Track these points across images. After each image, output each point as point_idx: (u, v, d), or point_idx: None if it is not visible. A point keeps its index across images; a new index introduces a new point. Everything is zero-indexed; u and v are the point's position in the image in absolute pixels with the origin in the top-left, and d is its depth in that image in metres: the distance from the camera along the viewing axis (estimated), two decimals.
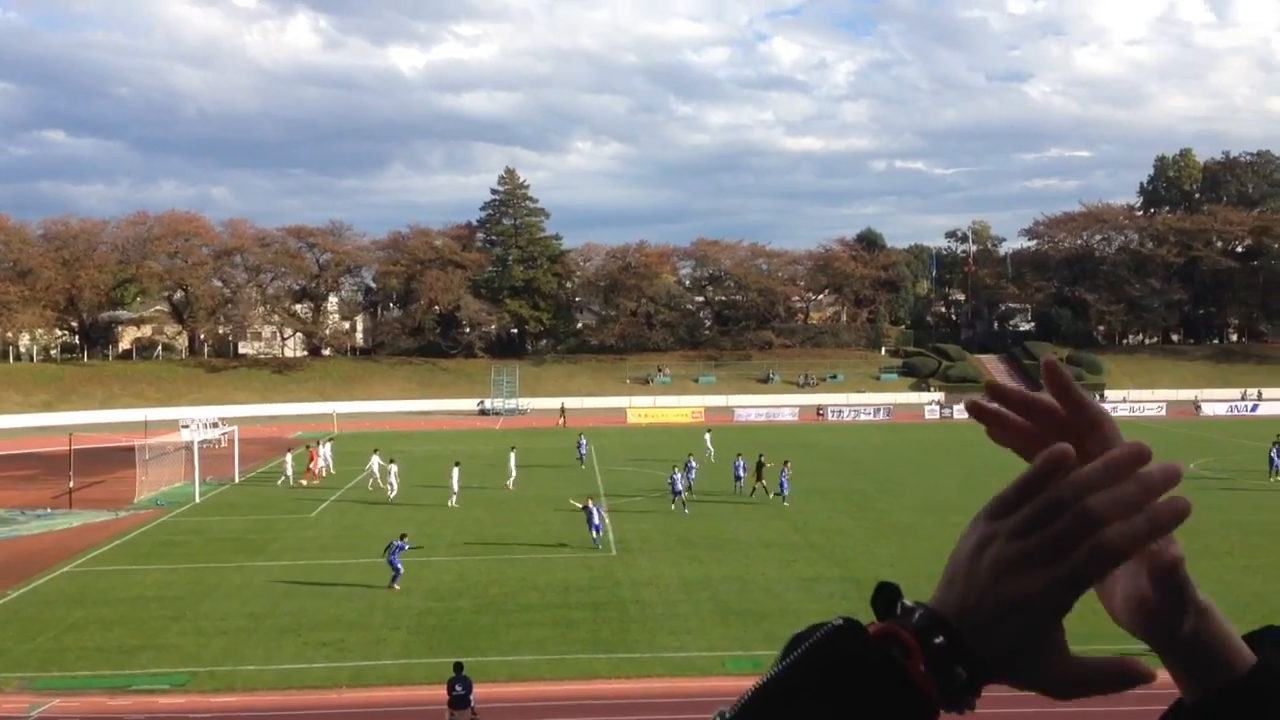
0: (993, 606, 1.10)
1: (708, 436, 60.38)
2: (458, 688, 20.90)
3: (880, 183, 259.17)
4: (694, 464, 47.25)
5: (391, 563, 31.33)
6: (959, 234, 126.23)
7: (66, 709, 21.92)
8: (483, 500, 46.26)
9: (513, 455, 50.92)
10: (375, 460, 49.57)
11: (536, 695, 22.53)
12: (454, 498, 44.80)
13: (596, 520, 36.27)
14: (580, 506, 37.45)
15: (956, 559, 1.15)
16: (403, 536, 32.58)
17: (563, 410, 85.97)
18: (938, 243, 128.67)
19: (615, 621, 27.75)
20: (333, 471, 54.43)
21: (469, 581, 31.94)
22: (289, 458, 53.60)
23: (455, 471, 45.44)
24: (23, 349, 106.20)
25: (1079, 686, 1.15)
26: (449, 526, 40.60)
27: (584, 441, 59.19)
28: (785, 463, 45.85)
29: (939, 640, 1.09)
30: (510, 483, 49.48)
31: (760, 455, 47.78)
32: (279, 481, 52.12)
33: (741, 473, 46.92)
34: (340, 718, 21.37)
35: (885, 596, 1.15)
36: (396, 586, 30.85)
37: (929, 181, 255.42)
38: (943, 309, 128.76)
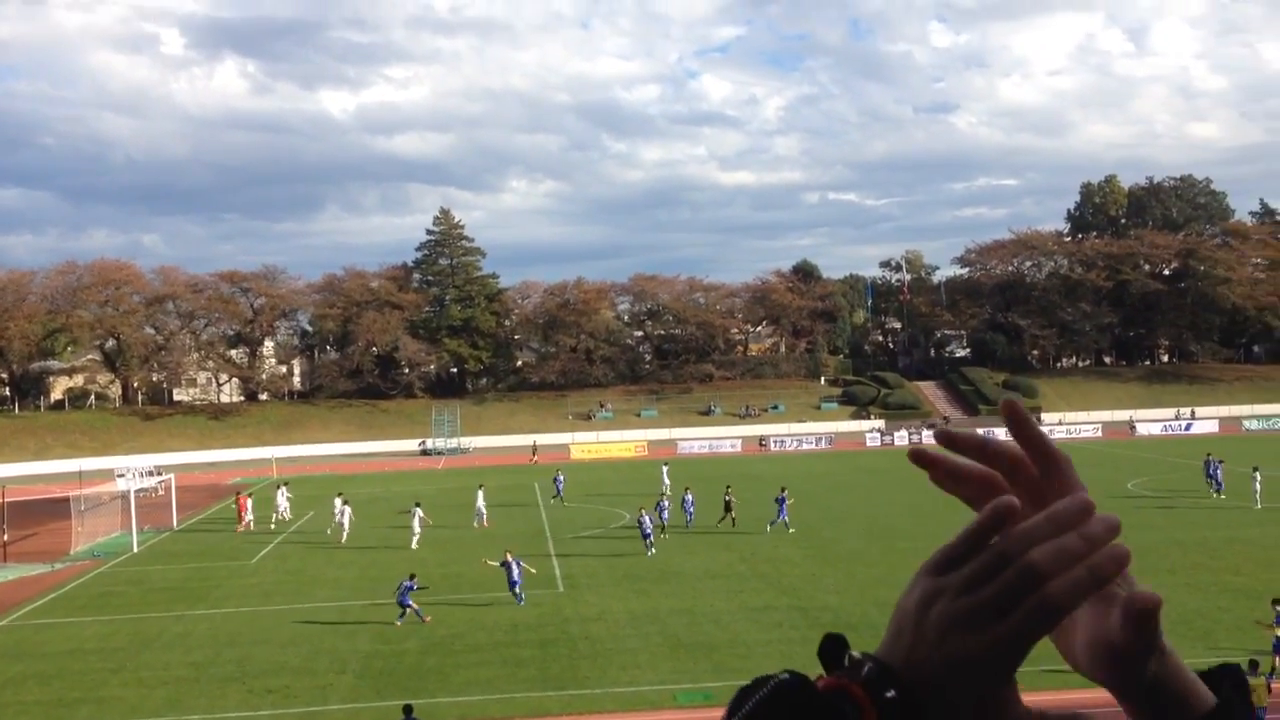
0: (941, 663, 1.08)
1: (665, 469, 60.16)
2: None
3: (814, 214, 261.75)
4: (665, 504, 46.57)
5: (402, 602, 31.35)
6: (893, 263, 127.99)
7: None
8: (429, 540, 45.85)
9: (480, 494, 50.45)
10: (339, 503, 48.65)
11: None
12: (415, 538, 44.11)
13: (515, 575, 33.43)
14: (498, 564, 34.35)
15: (904, 611, 1.13)
16: (411, 576, 32.37)
17: (534, 448, 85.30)
18: (872, 272, 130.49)
19: (564, 658, 27.60)
20: (289, 517, 53.14)
21: (416, 623, 31.61)
22: (282, 497, 53.19)
23: (418, 511, 44.83)
24: None
25: None
26: (392, 569, 40.16)
27: (561, 478, 58.02)
28: (783, 489, 46.48)
29: (890, 695, 1.07)
30: (482, 521, 49.09)
31: (727, 488, 47.81)
32: (273, 523, 51.73)
33: (691, 508, 46.40)
34: None
35: (832, 647, 1.13)
36: (399, 624, 31.07)
37: (862, 212, 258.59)
38: (880, 337, 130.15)
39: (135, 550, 46.24)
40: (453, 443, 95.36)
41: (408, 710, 21.10)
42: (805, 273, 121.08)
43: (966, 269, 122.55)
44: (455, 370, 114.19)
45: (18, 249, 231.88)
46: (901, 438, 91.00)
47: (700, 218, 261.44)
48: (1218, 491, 49.90)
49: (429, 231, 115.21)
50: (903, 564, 37.54)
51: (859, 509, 50.58)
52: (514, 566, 33.46)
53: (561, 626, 30.70)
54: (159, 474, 61.71)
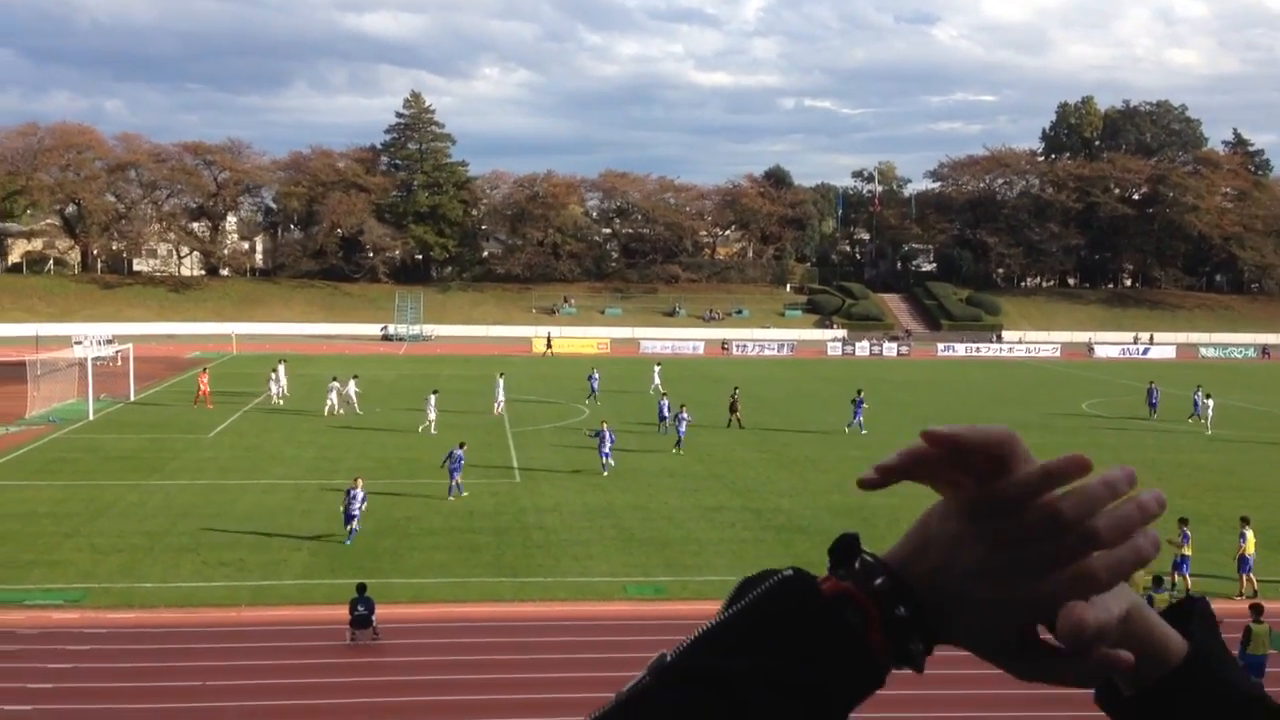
0: (968, 602, 1.07)
1: (657, 370, 59.48)
2: (360, 608, 20.88)
3: (789, 120, 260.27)
4: (665, 403, 45.69)
5: (453, 472, 32.47)
6: (865, 174, 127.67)
7: None
8: (387, 424, 45.94)
9: (500, 381, 50.70)
10: (335, 385, 48.60)
11: (439, 616, 22.58)
12: (432, 424, 43.59)
13: (607, 447, 36.30)
14: (593, 433, 37.37)
15: (930, 537, 1.10)
16: (461, 445, 33.47)
17: (549, 341, 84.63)
18: (844, 182, 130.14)
19: (519, 546, 27.87)
20: (286, 395, 51.84)
21: (372, 505, 31.58)
22: (279, 377, 52.20)
23: (432, 398, 44.33)
24: None
25: (1041, 674, 1.11)
26: (351, 450, 40.27)
27: (596, 375, 55.97)
28: (859, 391, 47.41)
29: (901, 612, 1.05)
30: (499, 408, 49.27)
31: (734, 389, 48.20)
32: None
33: (666, 412, 44.80)
34: (240, 635, 21.19)
35: (844, 546, 1.09)
36: (452, 497, 32.25)
37: (837, 121, 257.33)
38: (848, 248, 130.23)
39: (91, 418, 46.00)
40: (415, 329, 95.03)
41: (361, 589, 21.27)
42: (777, 179, 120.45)
43: (938, 183, 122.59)
44: (420, 257, 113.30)
45: None
46: (863, 348, 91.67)
47: (674, 117, 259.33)
48: (1153, 413, 51.76)
49: (399, 115, 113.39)
50: (855, 471, 37.79)
51: (816, 416, 51.02)
52: (608, 437, 36.27)
53: (517, 516, 30.94)
54: (116, 343, 61.15)
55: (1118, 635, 1.10)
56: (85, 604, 22.77)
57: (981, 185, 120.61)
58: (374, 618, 20.87)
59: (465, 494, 32.79)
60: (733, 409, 46.91)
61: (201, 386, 50.99)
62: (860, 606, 1.04)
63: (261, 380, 54.66)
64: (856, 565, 1.07)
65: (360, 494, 27.58)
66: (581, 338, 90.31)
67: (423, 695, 18.48)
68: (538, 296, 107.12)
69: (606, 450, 36.34)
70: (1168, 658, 1.15)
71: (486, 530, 29.26)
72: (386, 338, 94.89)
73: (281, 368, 53.39)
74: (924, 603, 1.06)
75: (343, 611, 21.05)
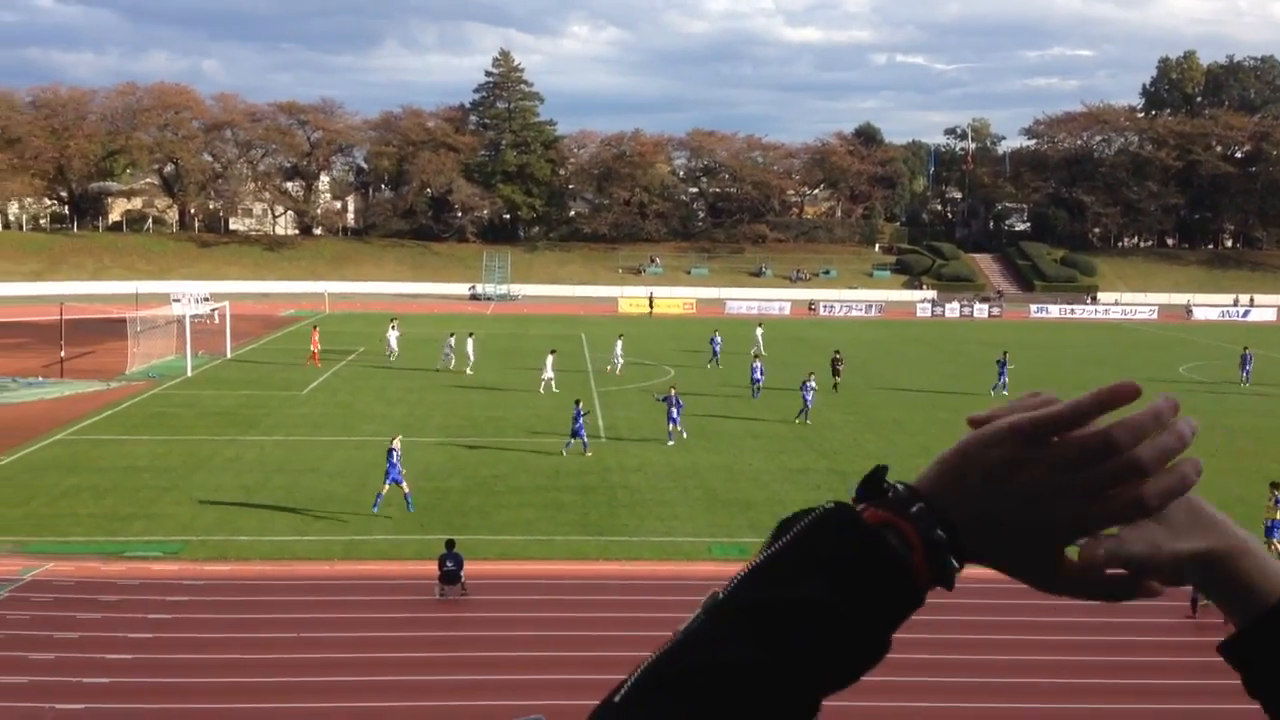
0: (1009, 525, 1.12)
1: (759, 331, 58.24)
2: (448, 564, 21.23)
3: (880, 77, 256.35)
4: (759, 365, 44.98)
5: (577, 431, 32.95)
6: (958, 131, 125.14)
7: (60, 573, 22.19)
8: (476, 383, 46.47)
9: (619, 343, 50.97)
10: (451, 340, 49.86)
11: (525, 574, 22.87)
12: (551, 382, 43.82)
13: (675, 413, 35.21)
14: (662, 398, 36.64)
15: (971, 462, 1.14)
16: (577, 403, 33.84)
17: (651, 301, 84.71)
18: (936, 139, 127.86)
19: (604, 505, 28.07)
20: (398, 350, 52.93)
21: (460, 463, 32.20)
22: (391, 334, 53.56)
23: (550, 359, 44.64)
24: (11, 217, 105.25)
25: (1069, 589, 1.15)
26: (439, 409, 40.81)
27: (719, 339, 54.18)
28: (1004, 353, 47.09)
29: (938, 534, 1.09)
30: (616, 370, 49.73)
31: (836, 352, 47.42)
32: (389, 356, 52.18)
33: (759, 375, 43.97)
34: (333, 588, 21.68)
35: (873, 479, 1.14)
36: (568, 452, 32.86)
37: (930, 77, 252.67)
38: (939, 207, 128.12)
39: (189, 374, 47.16)
40: (502, 289, 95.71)
41: (450, 545, 21.63)
42: (867, 136, 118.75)
43: (1033, 141, 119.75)
44: (508, 217, 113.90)
45: (79, 68, 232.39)
46: (953, 309, 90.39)
47: (763, 74, 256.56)
48: (1245, 379, 50.42)
49: (487, 74, 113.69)
50: (943, 434, 37.61)
51: (904, 378, 50.50)
52: (676, 403, 35.28)
53: (602, 475, 31.15)
54: (213, 301, 62.54)
55: (1177, 569, 1.14)
56: (183, 556, 23.46)
57: (1078, 143, 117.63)
58: (462, 574, 21.21)
59: (588, 452, 33.11)
60: (835, 370, 46.06)
61: (314, 345, 51.56)
62: (902, 532, 1.09)
63: (352, 339, 55.62)
64: (891, 495, 1.12)
65: (398, 451, 26.54)
66: (667, 298, 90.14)
67: (509, 651, 18.75)
68: (624, 256, 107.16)
69: (675, 416, 35.25)
70: (1264, 600, 1.15)
71: (572, 489, 29.52)
72: (474, 297, 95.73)
73: (392, 325, 54.26)
74: (959, 525, 1.11)
75: (432, 567, 21.42)
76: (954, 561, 1.10)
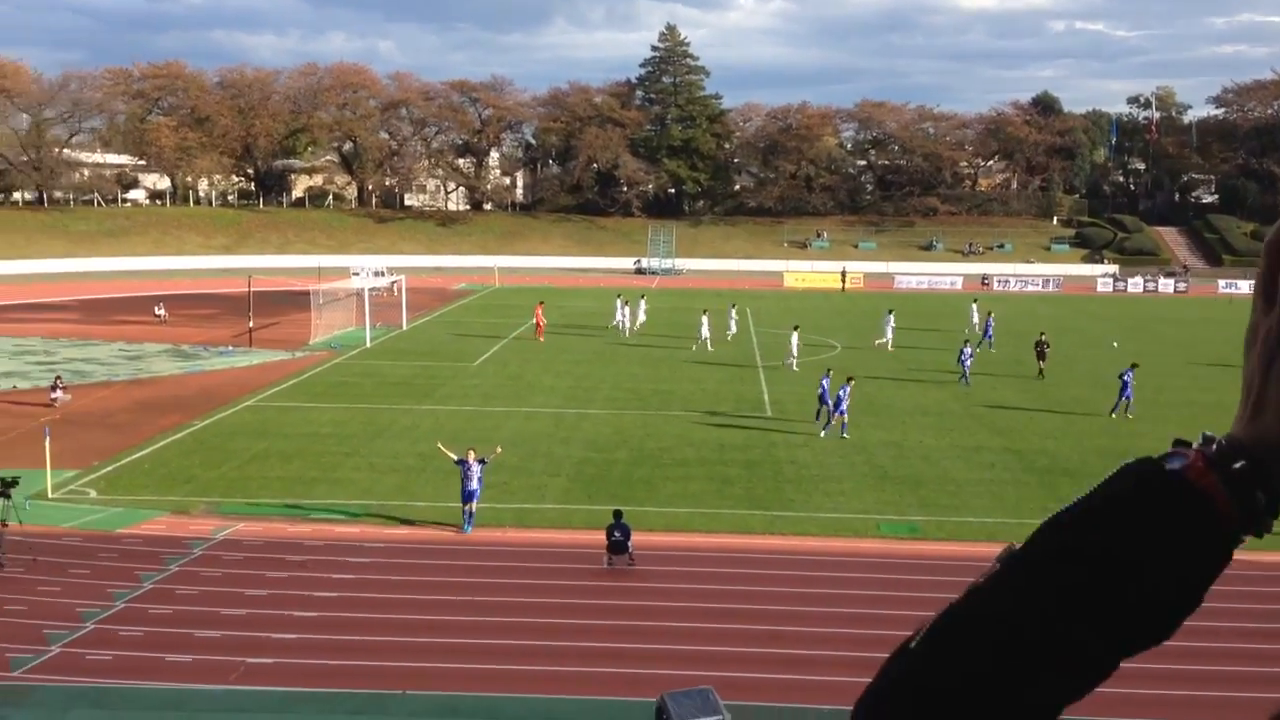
0: None
1: (974, 306, 56.38)
2: (616, 534, 21.50)
3: (1058, 44, 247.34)
4: (968, 348, 42.19)
5: (832, 404, 32.31)
6: (1141, 100, 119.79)
7: (250, 533, 23.29)
8: (639, 358, 46.86)
9: (890, 317, 50.65)
10: (619, 305, 50.67)
11: (692, 546, 23.00)
12: (795, 362, 43.40)
13: (843, 406, 32.66)
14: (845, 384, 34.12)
15: (1249, 381, 1.11)
16: (828, 371, 33.78)
17: (844, 274, 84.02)
18: (1118, 109, 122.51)
19: (770, 480, 28.00)
20: (630, 327, 53.49)
21: (626, 435, 32.52)
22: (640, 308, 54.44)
23: (795, 336, 44.26)
24: (202, 194, 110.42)
25: None
26: (605, 381, 41.26)
27: (991, 320, 50.98)
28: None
29: (1239, 465, 1.07)
30: (888, 343, 49.59)
31: (1041, 335, 44.42)
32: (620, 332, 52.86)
33: (967, 359, 41.56)
34: (504, 554, 22.19)
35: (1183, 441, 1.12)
36: (824, 435, 32.13)
37: (1110, 44, 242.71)
38: (1120, 178, 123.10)
39: (368, 345, 48.80)
40: (667, 263, 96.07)
41: (617, 515, 21.90)
42: (1045, 106, 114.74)
43: (1221, 109, 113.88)
44: (673, 191, 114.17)
45: (261, 49, 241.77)
46: (1135, 285, 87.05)
47: (934, 44, 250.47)
48: None
49: (654, 48, 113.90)
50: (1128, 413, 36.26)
51: (1084, 356, 48.83)
52: (843, 396, 32.66)
53: (768, 450, 31.05)
54: (390, 275, 64.49)
55: None
56: (364, 520, 24.34)
57: (1270, 111, 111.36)
58: (630, 544, 21.46)
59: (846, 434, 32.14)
60: (1040, 355, 43.02)
61: (538, 319, 52.15)
62: (1201, 467, 1.07)
63: (523, 312, 56.69)
64: (1196, 446, 1.10)
65: (476, 467, 23.51)
66: (833, 272, 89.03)
67: (675, 621, 18.90)
68: (789, 230, 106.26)
69: (843, 409, 32.52)
70: None
71: (737, 463, 29.51)
72: (639, 271, 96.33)
73: (641, 302, 54.92)
74: (1261, 453, 1.07)
75: (600, 537, 21.73)
76: (1261, 496, 1.06)
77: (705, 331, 45.84)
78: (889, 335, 50.24)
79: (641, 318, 54.17)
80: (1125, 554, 1.04)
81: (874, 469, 29.15)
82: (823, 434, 32.21)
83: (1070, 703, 1.06)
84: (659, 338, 51.58)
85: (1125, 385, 35.75)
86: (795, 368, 42.97)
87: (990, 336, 49.93)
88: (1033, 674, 1.03)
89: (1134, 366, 36.57)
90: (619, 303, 54.41)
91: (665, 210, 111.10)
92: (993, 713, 1.03)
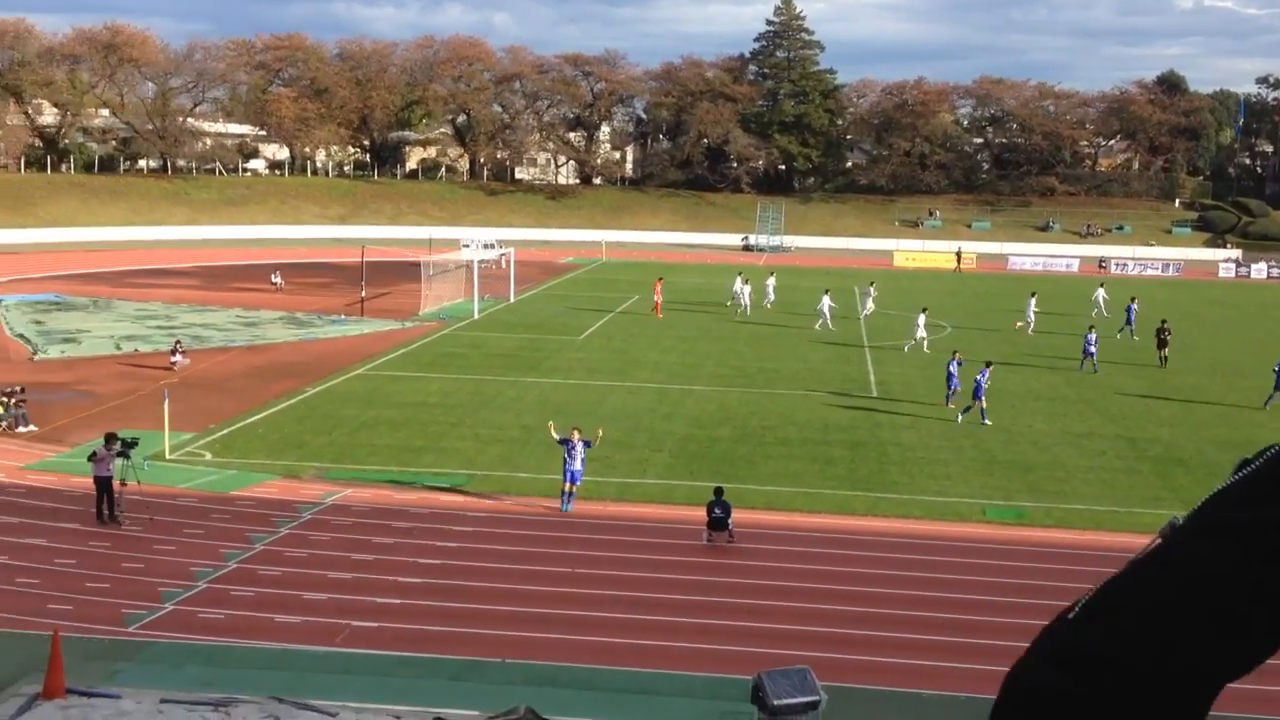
0: None
1: (1101, 291, 54.73)
2: (717, 510, 21.48)
3: (1186, 22, 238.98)
4: (1093, 336, 40.58)
5: (976, 395, 31.65)
6: (1271, 80, 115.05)
7: (357, 499, 23.77)
8: (748, 335, 46.68)
9: (1033, 300, 50.24)
10: (826, 300, 49.37)
11: (793, 525, 22.87)
12: (925, 343, 42.90)
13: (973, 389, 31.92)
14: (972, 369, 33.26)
15: None
16: (988, 365, 32.75)
17: (959, 254, 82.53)
18: (1247, 89, 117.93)
19: (874, 461, 27.70)
20: (774, 299, 54.16)
21: (729, 412, 32.44)
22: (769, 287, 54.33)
23: (921, 317, 43.90)
24: (319, 164, 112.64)
25: None
26: (711, 358, 41.19)
27: (1134, 305, 48.66)
28: (1133, 298, 45.28)
29: None
30: (1029, 326, 49.25)
31: (1163, 322, 42.42)
32: (739, 310, 52.25)
33: (1092, 348, 39.98)
34: (608, 528, 22.31)
35: None
36: (987, 421, 31.28)
37: (1241, 22, 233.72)
38: (1247, 161, 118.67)
39: (476, 317, 49.38)
40: (775, 240, 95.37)
41: (718, 492, 21.86)
42: (1170, 85, 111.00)
43: None
44: (783, 167, 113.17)
45: (379, 22, 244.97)
46: (1259, 271, 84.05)
47: (1058, 19, 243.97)
48: None
49: (769, 22, 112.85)
50: (1245, 403, 35.12)
51: (1203, 343, 47.35)
52: (981, 382, 32.01)
53: (873, 431, 30.71)
54: (499, 247, 65.09)
55: None
56: (468, 489, 24.68)
57: None
58: (730, 521, 21.42)
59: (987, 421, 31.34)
60: (1162, 343, 41.31)
61: (657, 295, 51.99)
62: None
63: (629, 287, 56.76)
64: None
65: (580, 447, 22.97)
66: (944, 253, 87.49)
67: (775, 600, 18.81)
68: (901, 209, 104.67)
69: (980, 394, 31.74)
70: None
71: (841, 444, 29.24)
72: (747, 248, 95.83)
73: (739, 280, 53.91)
74: None
75: (701, 513, 21.73)
76: None
77: (921, 332, 43.31)
78: (1031, 318, 49.34)
79: (771, 296, 54.30)
80: None
81: (981, 453, 28.65)
82: (960, 418, 31.50)
83: (1232, 679, 1.07)
84: (768, 315, 51.31)
85: None
86: (927, 349, 42.16)
87: (1132, 324, 47.76)
88: (1193, 645, 1.04)
89: None
90: (739, 280, 53.83)
91: (775, 187, 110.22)
92: (1151, 681, 1.04)
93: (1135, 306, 48.55)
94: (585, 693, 15.77)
